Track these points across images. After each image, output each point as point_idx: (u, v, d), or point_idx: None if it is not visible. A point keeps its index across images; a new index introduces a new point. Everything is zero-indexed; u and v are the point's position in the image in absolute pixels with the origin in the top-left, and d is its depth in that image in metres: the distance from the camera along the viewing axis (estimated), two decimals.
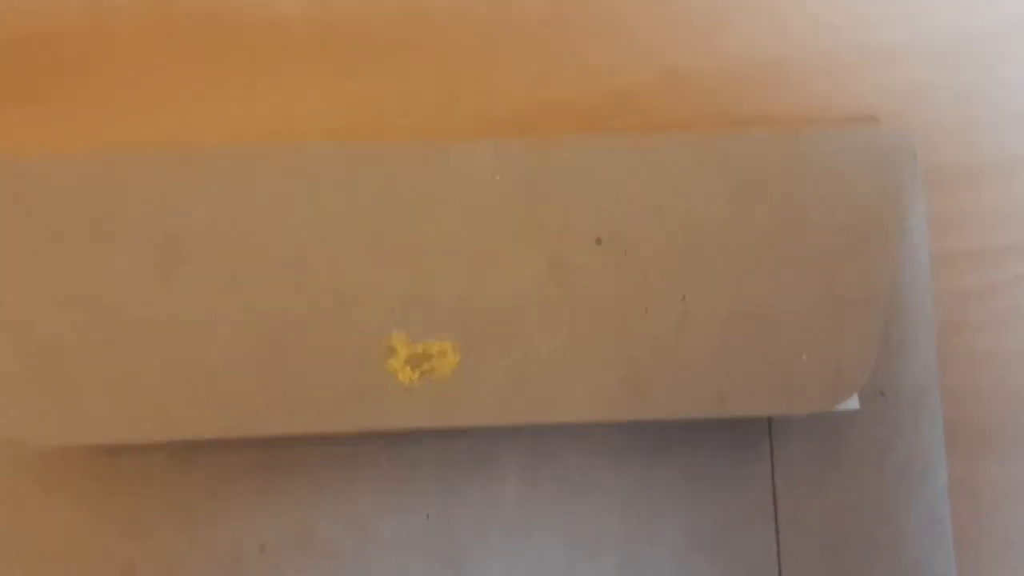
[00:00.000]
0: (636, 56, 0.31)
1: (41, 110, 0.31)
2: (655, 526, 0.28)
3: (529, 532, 0.28)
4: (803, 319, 0.27)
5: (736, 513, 0.28)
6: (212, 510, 0.28)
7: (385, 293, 0.26)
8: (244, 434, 0.26)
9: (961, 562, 0.29)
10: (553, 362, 0.26)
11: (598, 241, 0.27)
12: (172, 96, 0.31)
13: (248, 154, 0.27)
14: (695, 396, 0.26)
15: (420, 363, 0.26)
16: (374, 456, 0.28)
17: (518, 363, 0.26)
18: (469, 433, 0.28)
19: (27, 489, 0.28)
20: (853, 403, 0.27)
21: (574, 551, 0.28)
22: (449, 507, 0.28)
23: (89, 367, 0.26)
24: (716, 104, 0.31)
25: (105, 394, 0.26)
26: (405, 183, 0.27)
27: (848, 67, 0.30)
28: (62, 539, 0.27)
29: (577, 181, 0.27)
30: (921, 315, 0.29)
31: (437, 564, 0.28)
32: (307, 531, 0.28)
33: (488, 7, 0.31)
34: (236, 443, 0.28)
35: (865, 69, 0.30)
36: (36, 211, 0.26)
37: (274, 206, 0.26)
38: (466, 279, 0.27)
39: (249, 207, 0.26)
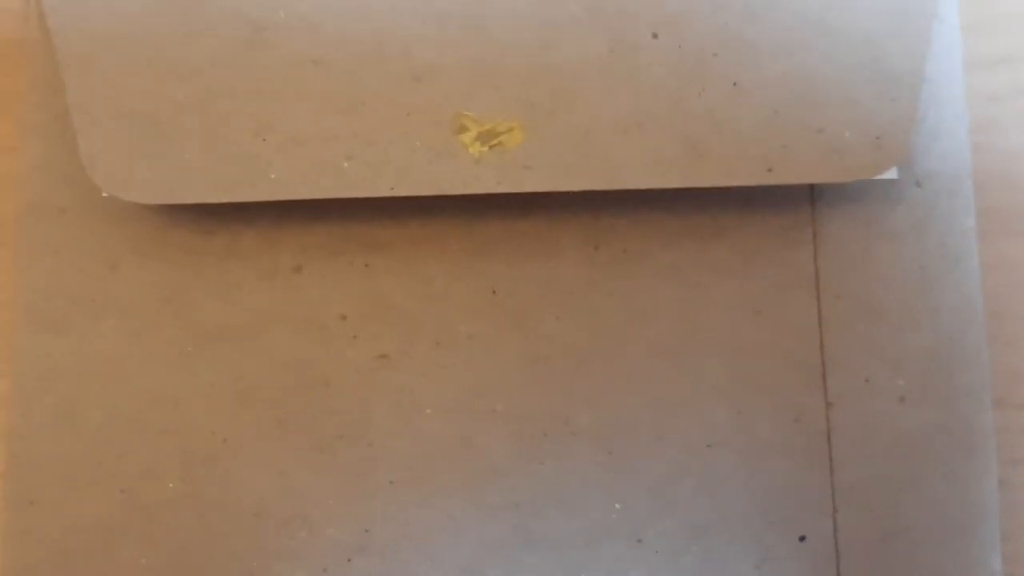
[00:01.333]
0: None
1: None
2: (707, 296, 0.30)
3: (587, 295, 0.30)
4: (848, 94, 0.29)
5: (782, 285, 0.30)
6: (298, 282, 0.30)
7: (456, 73, 0.29)
8: (330, 195, 0.28)
9: (994, 339, 0.31)
10: (614, 133, 0.28)
11: (654, 36, 0.29)
12: None
13: None
14: (746, 164, 0.28)
15: (489, 139, 0.28)
16: (444, 235, 0.30)
17: (580, 135, 0.28)
18: (533, 214, 0.30)
19: (123, 255, 0.30)
20: (892, 173, 0.29)
21: (630, 314, 0.30)
22: (513, 279, 0.30)
23: (185, 132, 0.28)
24: None
25: (200, 157, 0.28)
26: None
27: None
28: (153, 299, 0.29)
29: None
30: (955, 110, 0.31)
31: (504, 328, 0.30)
32: (383, 302, 0.30)
33: None
34: (319, 223, 0.30)
35: None
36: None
37: None
38: (531, 58, 0.29)
39: None
